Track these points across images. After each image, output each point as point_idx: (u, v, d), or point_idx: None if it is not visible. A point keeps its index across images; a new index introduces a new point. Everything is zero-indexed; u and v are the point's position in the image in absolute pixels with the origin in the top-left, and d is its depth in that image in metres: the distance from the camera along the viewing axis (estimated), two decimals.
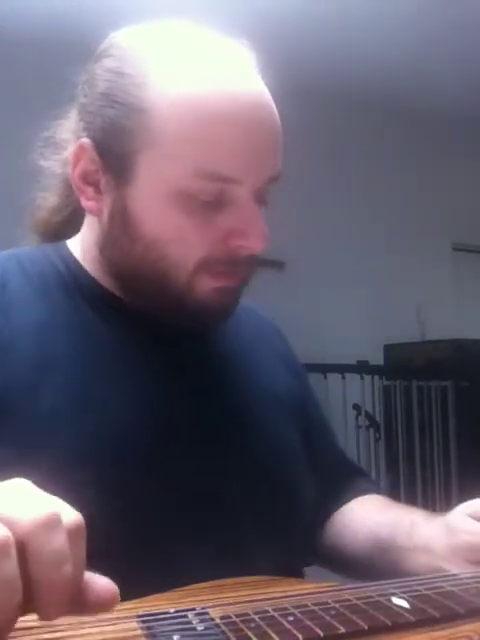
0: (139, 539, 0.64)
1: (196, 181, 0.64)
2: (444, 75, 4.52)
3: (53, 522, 0.39)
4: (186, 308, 0.69)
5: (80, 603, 0.42)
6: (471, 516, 0.68)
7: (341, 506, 0.87)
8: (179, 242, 0.66)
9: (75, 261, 0.75)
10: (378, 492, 0.89)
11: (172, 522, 0.67)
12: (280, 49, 4.06)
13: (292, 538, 0.77)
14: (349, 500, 0.87)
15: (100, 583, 0.42)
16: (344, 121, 4.79)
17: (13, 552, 0.38)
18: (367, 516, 0.83)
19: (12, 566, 0.38)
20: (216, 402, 0.74)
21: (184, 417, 0.71)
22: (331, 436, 0.94)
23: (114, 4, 2.26)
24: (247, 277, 0.72)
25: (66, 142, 0.75)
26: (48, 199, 0.80)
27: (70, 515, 0.42)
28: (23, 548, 0.39)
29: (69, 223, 0.78)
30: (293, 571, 0.74)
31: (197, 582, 0.58)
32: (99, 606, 0.42)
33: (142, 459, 0.67)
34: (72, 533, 0.41)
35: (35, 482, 0.60)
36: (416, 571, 0.72)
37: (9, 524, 0.39)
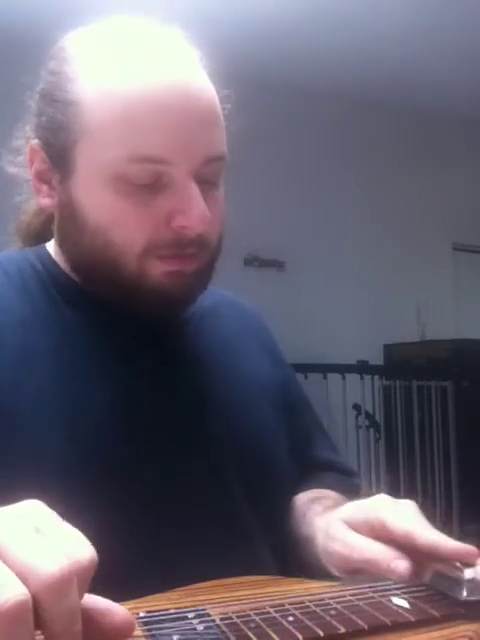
0: (128, 533, 0.64)
1: (128, 165, 0.65)
2: (444, 75, 4.52)
3: (67, 582, 0.39)
4: (142, 295, 0.70)
5: (98, 632, 0.42)
6: (346, 522, 0.66)
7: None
8: (121, 227, 0.67)
9: (51, 260, 0.77)
10: (341, 489, 0.85)
11: (158, 514, 0.68)
12: (280, 49, 4.06)
13: (278, 528, 0.78)
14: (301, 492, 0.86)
15: (118, 614, 0.43)
16: (344, 121, 4.79)
17: (30, 617, 0.38)
18: (299, 507, 0.82)
19: (29, 630, 0.38)
20: (196, 391, 0.75)
21: (164, 406, 0.72)
22: (312, 430, 0.92)
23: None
24: (206, 262, 0.72)
25: (24, 146, 0.78)
26: (28, 202, 0.83)
27: (84, 553, 0.41)
28: (37, 603, 0.38)
29: (50, 224, 0.80)
30: (286, 564, 0.74)
31: (186, 571, 0.58)
32: (117, 636, 0.43)
33: (125, 449, 0.68)
34: (84, 573, 0.41)
35: (19, 476, 0.60)
36: (313, 562, 0.70)
37: (25, 578, 0.38)
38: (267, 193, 4.30)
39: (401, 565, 0.57)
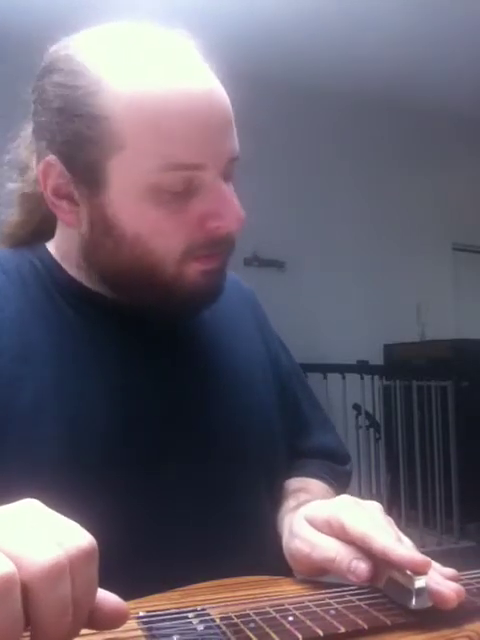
0: (129, 533, 0.65)
1: (163, 175, 0.66)
2: (444, 75, 4.52)
3: (60, 570, 0.39)
4: (175, 297, 0.71)
5: (90, 621, 0.42)
6: (308, 520, 0.65)
7: None
8: (160, 235, 0.68)
9: (52, 259, 0.77)
10: (328, 478, 0.85)
11: (159, 514, 0.68)
12: (280, 49, 4.06)
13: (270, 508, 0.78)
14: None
15: (110, 602, 0.43)
16: (344, 121, 4.79)
17: (17, 593, 0.38)
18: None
19: (16, 606, 0.38)
20: (198, 387, 0.76)
21: (166, 405, 0.72)
22: (304, 411, 0.92)
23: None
24: (228, 257, 0.74)
25: (23, 161, 0.78)
26: (14, 215, 0.82)
27: (82, 540, 0.42)
28: (26, 591, 0.39)
29: (35, 234, 0.80)
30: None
31: (187, 570, 0.58)
32: (108, 625, 0.43)
33: (125, 449, 0.68)
34: (83, 558, 0.41)
35: (18, 475, 0.60)
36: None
37: (18, 566, 0.39)
38: (267, 193, 4.30)
39: (360, 566, 0.56)
